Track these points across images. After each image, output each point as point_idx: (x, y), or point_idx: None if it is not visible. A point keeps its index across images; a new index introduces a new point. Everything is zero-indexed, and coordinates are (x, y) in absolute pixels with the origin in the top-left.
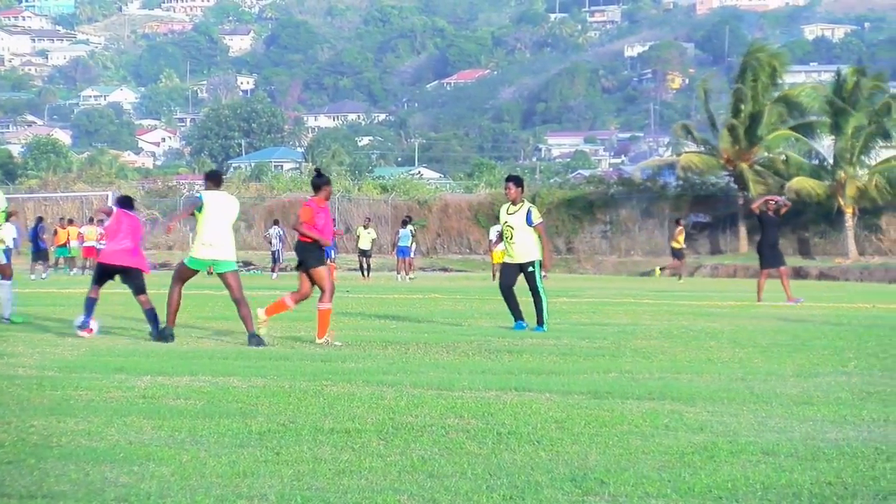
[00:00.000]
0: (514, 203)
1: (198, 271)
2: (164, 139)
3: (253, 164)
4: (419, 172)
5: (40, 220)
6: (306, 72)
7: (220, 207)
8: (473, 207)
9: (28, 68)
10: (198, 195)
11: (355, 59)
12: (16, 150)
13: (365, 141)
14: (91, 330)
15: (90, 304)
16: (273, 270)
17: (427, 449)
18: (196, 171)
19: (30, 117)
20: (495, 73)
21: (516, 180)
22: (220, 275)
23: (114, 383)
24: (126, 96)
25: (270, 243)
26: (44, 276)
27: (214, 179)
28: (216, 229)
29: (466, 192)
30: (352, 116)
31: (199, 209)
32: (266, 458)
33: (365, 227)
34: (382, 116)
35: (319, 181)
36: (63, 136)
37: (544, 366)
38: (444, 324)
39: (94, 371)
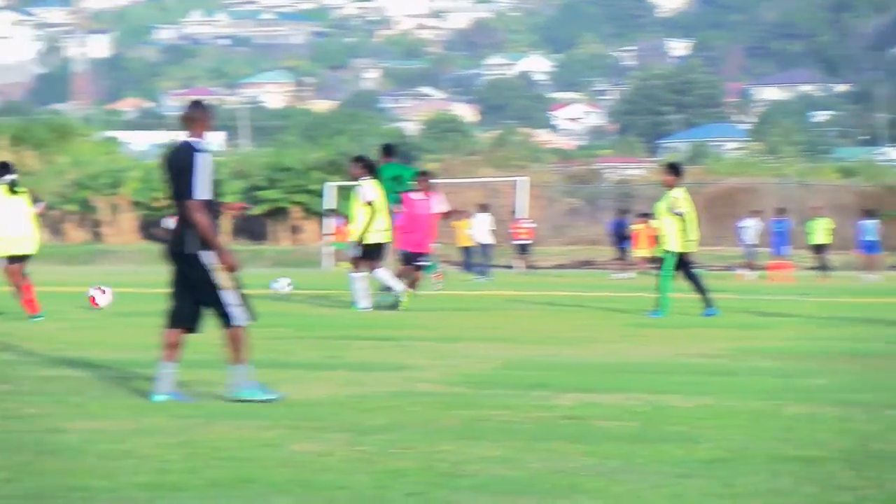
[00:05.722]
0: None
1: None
2: (583, 114)
3: (689, 144)
4: (886, 153)
5: (624, 213)
6: (750, 35)
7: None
8: None
9: (422, 32)
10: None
11: (808, 20)
12: (409, 127)
13: (822, 117)
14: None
15: None
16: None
17: None
18: (623, 152)
19: (425, 89)
20: None
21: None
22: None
23: (533, 402)
24: (538, 65)
25: (741, 237)
26: (622, 276)
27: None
28: None
29: None
30: (805, 88)
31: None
32: (713, 491)
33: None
34: (842, 88)
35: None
36: (465, 112)
37: None
38: None
39: (510, 387)
